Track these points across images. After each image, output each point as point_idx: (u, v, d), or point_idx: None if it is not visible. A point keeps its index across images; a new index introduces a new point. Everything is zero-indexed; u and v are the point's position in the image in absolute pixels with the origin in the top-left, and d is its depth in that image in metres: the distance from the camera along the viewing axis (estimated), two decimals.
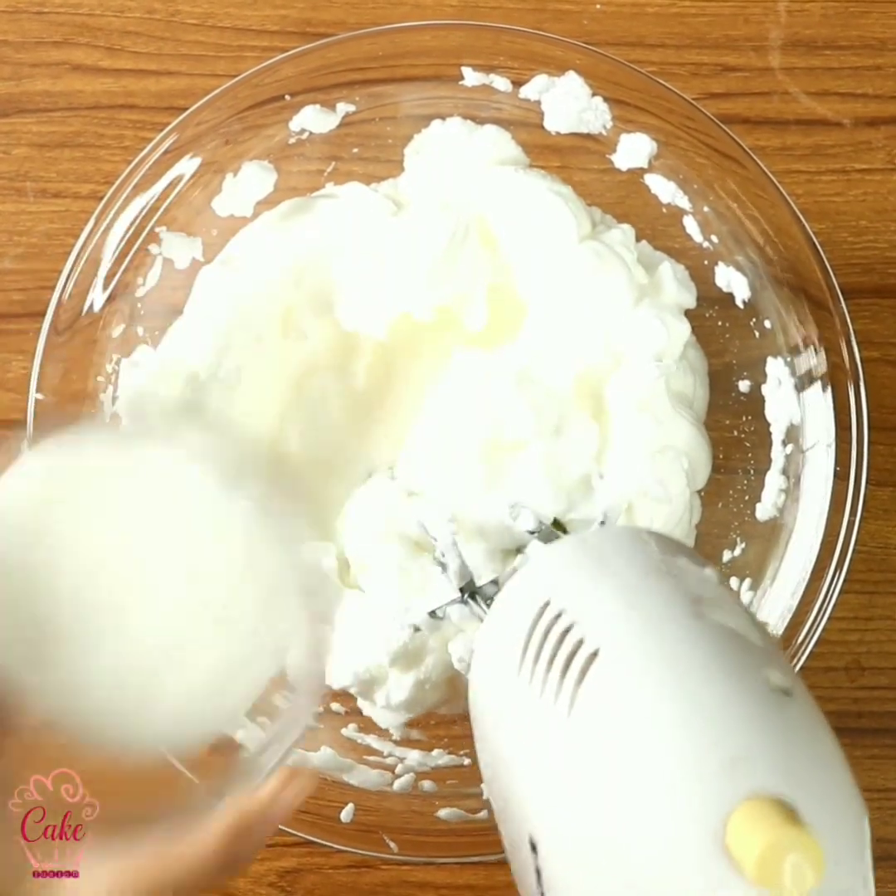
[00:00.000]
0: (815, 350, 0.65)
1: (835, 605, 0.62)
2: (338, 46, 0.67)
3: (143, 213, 0.66)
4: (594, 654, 0.45)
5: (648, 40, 0.74)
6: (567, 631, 0.46)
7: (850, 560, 0.63)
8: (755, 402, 0.67)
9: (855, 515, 0.63)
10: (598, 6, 0.74)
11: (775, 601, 0.64)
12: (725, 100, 0.74)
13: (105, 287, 0.66)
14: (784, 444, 0.66)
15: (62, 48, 0.74)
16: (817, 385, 0.65)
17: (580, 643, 0.46)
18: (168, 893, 0.45)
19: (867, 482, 0.63)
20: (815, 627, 0.62)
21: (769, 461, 0.66)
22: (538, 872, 0.46)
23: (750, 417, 0.68)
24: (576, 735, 0.45)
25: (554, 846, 0.45)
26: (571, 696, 0.45)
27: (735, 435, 0.68)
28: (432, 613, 0.63)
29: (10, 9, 0.74)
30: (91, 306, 0.65)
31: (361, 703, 0.65)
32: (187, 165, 0.66)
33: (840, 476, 0.63)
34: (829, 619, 0.62)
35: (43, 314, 0.68)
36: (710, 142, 0.66)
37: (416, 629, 0.63)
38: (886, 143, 0.74)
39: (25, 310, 0.71)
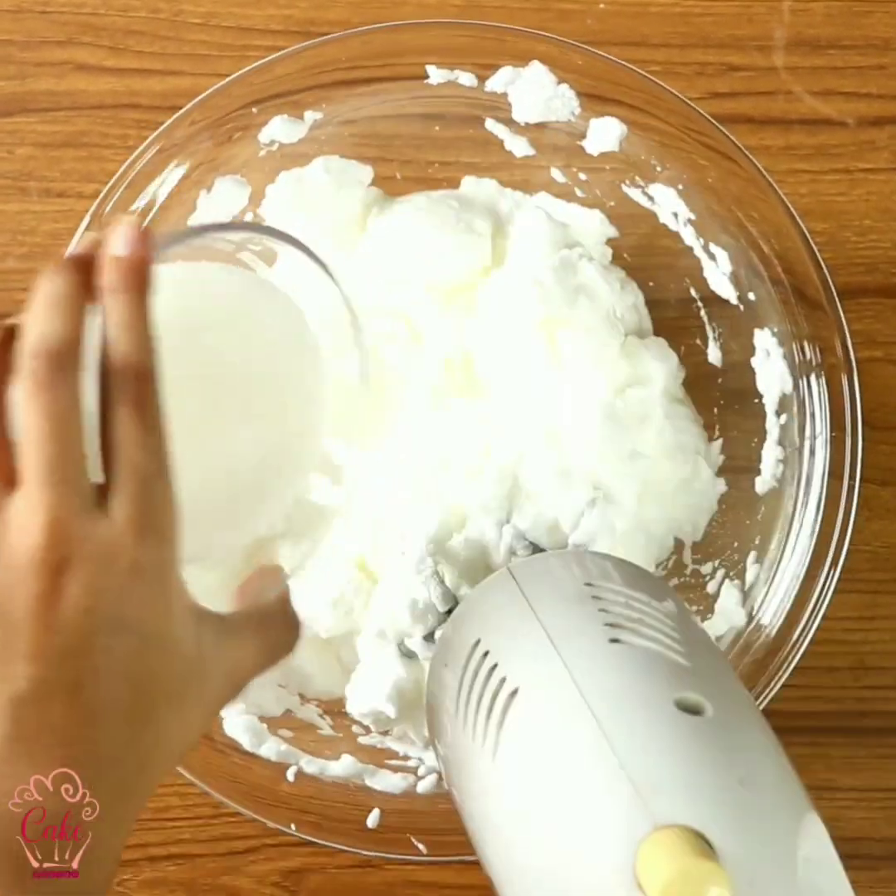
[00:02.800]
0: (811, 350, 0.65)
1: (830, 603, 0.62)
2: (297, 55, 0.67)
3: None
4: (513, 693, 0.45)
5: (652, 40, 0.74)
6: (492, 670, 0.47)
7: (845, 558, 0.63)
8: (746, 378, 0.67)
9: (849, 513, 0.63)
10: (601, 5, 0.74)
11: (770, 599, 0.64)
12: (730, 99, 0.74)
13: None
14: (778, 414, 0.66)
15: (66, 47, 0.74)
16: (813, 385, 0.65)
17: (503, 682, 0.46)
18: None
19: (862, 480, 0.63)
20: (809, 625, 0.62)
21: (764, 433, 0.67)
22: None
23: (742, 396, 0.68)
24: (500, 779, 0.45)
25: (505, 887, 0.46)
26: (495, 740, 0.45)
27: (731, 417, 0.68)
28: (428, 638, 0.62)
29: (14, 8, 0.74)
30: None
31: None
32: (162, 182, 0.66)
33: (835, 475, 0.63)
34: (823, 617, 0.62)
35: None
36: (708, 142, 0.66)
37: (412, 655, 0.63)
38: (890, 142, 0.74)
39: None
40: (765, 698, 0.61)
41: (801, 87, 0.74)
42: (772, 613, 0.63)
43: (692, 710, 0.43)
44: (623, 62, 0.66)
